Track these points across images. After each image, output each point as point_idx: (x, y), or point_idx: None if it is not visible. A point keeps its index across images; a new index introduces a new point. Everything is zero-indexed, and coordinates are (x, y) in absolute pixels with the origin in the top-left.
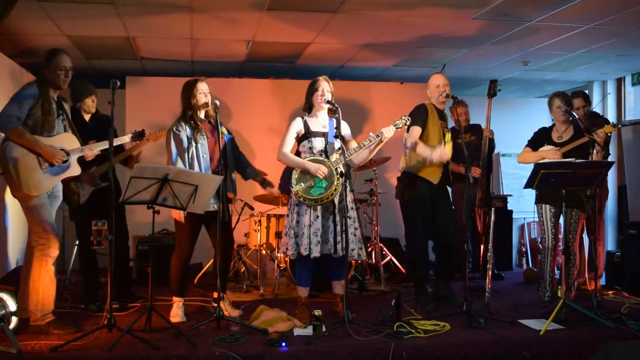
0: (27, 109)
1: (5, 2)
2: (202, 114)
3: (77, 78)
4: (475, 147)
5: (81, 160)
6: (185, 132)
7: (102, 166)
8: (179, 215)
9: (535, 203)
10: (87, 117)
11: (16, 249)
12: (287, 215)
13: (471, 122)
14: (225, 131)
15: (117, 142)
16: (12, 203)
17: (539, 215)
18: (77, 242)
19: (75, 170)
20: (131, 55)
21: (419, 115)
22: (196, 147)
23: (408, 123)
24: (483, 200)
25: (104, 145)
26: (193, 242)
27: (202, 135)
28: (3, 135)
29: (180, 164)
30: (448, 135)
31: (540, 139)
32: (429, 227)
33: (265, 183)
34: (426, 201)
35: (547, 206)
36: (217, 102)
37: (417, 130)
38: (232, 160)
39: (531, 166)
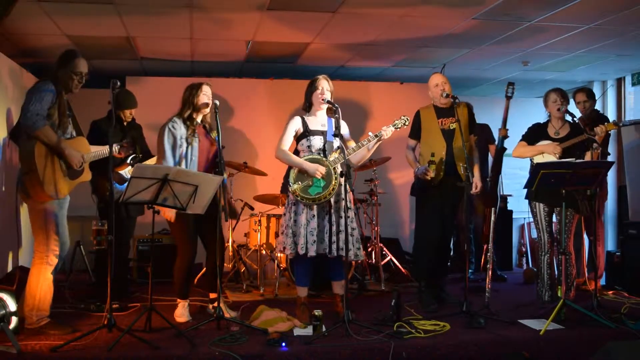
0: (48, 107)
1: (5, 1)
2: (199, 118)
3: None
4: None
5: (117, 163)
6: (180, 130)
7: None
8: (170, 214)
9: (528, 200)
10: None
11: (16, 249)
12: (285, 214)
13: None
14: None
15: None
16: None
17: (532, 214)
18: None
19: (87, 175)
20: (131, 55)
21: (411, 128)
22: (187, 148)
23: (407, 123)
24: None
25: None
26: (194, 244)
27: (195, 137)
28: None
29: (170, 161)
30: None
31: (535, 134)
32: (434, 227)
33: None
34: (434, 201)
35: (541, 205)
36: (217, 103)
37: (410, 142)
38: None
39: (529, 165)
